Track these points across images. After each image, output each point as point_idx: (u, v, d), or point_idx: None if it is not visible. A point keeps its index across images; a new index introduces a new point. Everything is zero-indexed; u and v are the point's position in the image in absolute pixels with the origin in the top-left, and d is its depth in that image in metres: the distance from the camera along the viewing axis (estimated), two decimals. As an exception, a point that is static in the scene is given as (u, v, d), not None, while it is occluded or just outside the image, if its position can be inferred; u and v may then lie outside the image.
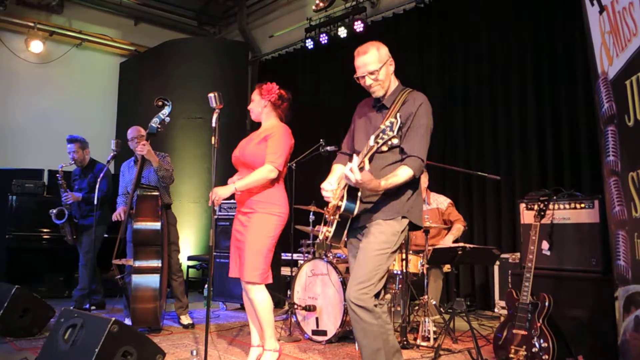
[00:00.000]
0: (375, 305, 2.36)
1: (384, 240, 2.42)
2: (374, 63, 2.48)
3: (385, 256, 2.42)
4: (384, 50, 2.53)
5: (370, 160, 2.36)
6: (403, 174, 2.36)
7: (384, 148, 2.21)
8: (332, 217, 2.50)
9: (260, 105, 3.22)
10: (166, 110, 4.02)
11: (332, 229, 2.47)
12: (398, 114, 2.20)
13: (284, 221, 3.14)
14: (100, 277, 5.37)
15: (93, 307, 5.06)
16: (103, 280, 5.42)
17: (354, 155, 2.32)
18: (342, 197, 2.37)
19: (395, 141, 2.17)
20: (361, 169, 2.23)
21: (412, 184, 2.46)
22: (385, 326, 2.40)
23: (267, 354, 3.11)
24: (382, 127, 2.18)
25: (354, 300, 2.34)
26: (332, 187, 2.51)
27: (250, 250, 3.02)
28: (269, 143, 3.07)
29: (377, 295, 2.41)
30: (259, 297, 3.05)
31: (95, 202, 4.18)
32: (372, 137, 2.21)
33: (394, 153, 2.45)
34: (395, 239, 2.45)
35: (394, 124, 2.14)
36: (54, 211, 5.03)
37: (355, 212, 2.37)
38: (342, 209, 2.37)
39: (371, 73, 2.49)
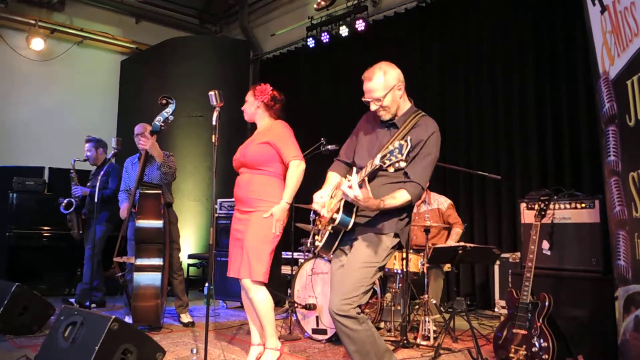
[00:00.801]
0: (358, 313, 2.34)
1: (374, 254, 2.40)
2: (379, 90, 2.41)
3: (372, 269, 2.39)
4: (391, 74, 2.44)
5: (373, 176, 2.34)
6: (401, 197, 2.34)
7: (390, 169, 2.14)
8: (324, 228, 2.48)
9: (254, 106, 3.27)
10: (170, 109, 4.02)
11: (323, 240, 2.46)
12: (409, 137, 2.12)
13: (285, 220, 3.14)
14: (103, 275, 5.40)
15: (93, 305, 5.07)
16: (104, 278, 5.45)
17: (354, 170, 2.29)
18: (338, 209, 2.35)
19: (403, 164, 2.11)
20: (360, 186, 2.20)
21: (408, 207, 2.45)
22: (371, 329, 2.38)
23: (269, 353, 3.11)
24: (391, 147, 2.12)
25: (336, 311, 2.32)
26: (323, 200, 2.45)
27: (253, 249, 3.01)
28: (278, 145, 3.10)
29: (359, 307, 2.38)
30: (259, 297, 3.05)
31: (96, 199, 4.19)
32: (379, 156, 2.17)
33: (397, 174, 2.40)
34: (385, 254, 2.43)
35: (404, 146, 2.07)
36: (64, 201, 5.18)
37: (350, 226, 2.35)
38: (336, 222, 2.34)
39: (377, 100, 2.43)
